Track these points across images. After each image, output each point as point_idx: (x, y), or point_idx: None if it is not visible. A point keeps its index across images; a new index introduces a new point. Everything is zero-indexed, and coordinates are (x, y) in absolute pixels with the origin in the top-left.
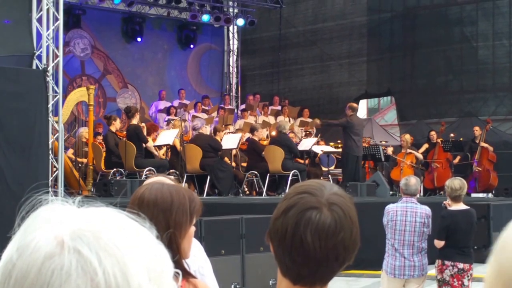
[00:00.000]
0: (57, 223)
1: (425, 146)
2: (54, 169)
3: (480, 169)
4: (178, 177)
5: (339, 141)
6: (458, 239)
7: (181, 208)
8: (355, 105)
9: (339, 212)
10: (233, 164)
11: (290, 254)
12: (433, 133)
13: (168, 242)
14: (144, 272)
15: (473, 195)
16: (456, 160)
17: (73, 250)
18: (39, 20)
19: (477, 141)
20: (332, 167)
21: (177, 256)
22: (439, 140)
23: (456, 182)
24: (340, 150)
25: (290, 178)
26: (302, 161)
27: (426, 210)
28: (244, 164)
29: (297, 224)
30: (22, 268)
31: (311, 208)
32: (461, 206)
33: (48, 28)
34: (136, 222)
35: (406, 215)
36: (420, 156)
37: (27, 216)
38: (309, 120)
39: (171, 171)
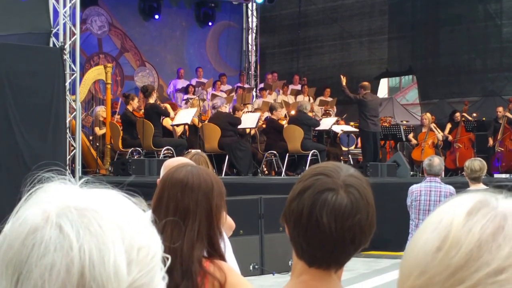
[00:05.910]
0: (48, 200)
1: (449, 126)
2: (72, 148)
3: (502, 149)
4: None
5: (359, 120)
6: None
7: (219, 191)
8: (366, 83)
9: (356, 194)
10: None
11: (306, 235)
12: (457, 114)
13: (209, 226)
14: (123, 254)
15: (496, 175)
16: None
17: (55, 225)
18: None
19: (500, 121)
20: (352, 147)
21: (216, 238)
22: (464, 117)
23: (476, 163)
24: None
25: (309, 158)
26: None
27: (450, 189)
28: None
29: (313, 205)
30: (9, 239)
31: (327, 190)
32: (480, 186)
33: (65, 6)
34: (134, 205)
35: (430, 194)
36: (440, 136)
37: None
38: (330, 99)
39: (199, 151)
